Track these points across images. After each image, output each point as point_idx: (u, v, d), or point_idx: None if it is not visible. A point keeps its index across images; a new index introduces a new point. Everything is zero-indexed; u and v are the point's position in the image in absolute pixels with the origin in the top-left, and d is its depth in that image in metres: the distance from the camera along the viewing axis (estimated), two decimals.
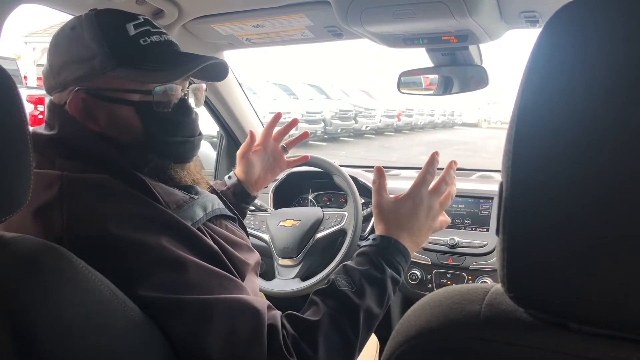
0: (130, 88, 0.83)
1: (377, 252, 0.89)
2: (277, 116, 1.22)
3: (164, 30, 0.88)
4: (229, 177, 1.22)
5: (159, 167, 0.86)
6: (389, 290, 0.87)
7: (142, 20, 0.86)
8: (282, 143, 1.24)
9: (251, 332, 0.73)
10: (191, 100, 0.90)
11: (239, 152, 1.21)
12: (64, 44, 0.84)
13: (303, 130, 1.30)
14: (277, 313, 0.79)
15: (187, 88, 0.89)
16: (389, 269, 0.87)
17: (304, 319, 0.79)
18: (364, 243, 0.92)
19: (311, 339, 0.76)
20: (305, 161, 1.28)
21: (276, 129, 1.22)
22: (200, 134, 0.92)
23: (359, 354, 0.83)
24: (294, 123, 1.24)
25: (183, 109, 0.88)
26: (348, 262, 0.89)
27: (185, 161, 0.90)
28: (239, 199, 1.19)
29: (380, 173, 0.96)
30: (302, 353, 0.75)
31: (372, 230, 1.75)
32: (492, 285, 0.49)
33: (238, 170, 1.21)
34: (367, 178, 1.80)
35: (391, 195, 0.95)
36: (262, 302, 0.78)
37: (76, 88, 0.82)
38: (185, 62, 0.84)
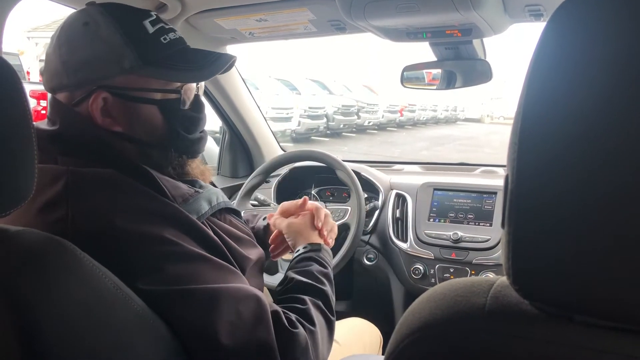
0: (154, 87, 0.83)
1: (315, 254, 1.02)
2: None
3: (173, 27, 0.88)
4: (264, 219, 1.18)
5: (179, 164, 0.87)
6: (332, 281, 0.99)
7: (155, 17, 0.85)
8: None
9: (255, 315, 0.76)
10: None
11: (286, 208, 1.16)
12: (79, 41, 0.81)
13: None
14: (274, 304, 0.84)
15: (197, 85, 0.90)
16: (328, 264, 1.02)
17: (294, 305, 0.86)
18: (299, 252, 1.03)
19: (307, 317, 0.84)
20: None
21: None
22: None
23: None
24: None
25: (199, 105, 0.90)
26: (293, 269, 0.98)
27: (196, 156, 0.92)
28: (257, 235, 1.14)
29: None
30: (305, 327, 0.82)
31: (375, 225, 1.75)
32: (497, 278, 0.49)
33: (276, 220, 1.14)
34: (370, 173, 1.80)
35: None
36: (260, 292, 0.81)
37: (95, 87, 0.80)
38: (209, 62, 0.86)
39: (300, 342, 0.79)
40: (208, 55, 0.87)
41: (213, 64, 0.85)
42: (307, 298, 0.89)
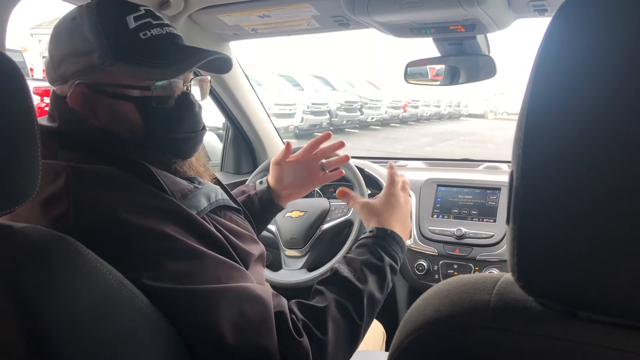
0: (130, 83, 0.81)
1: (375, 242, 0.94)
2: (327, 136, 1.19)
3: (166, 22, 0.86)
4: (260, 182, 1.21)
5: (162, 163, 0.85)
6: (388, 278, 0.91)
7: (144, 12, 0.83)
8: (322, 160, 1.20)
9: (259, 318, 0.74)
10: (195, 93, 0.89)
11: (273, 160, 1.19)
12: (63, 36, 0.82)
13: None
14: (283, 300, 0.80)
15: (190, 81, 0.88)
16: (387, 257, 0.92)
17: (311, 304, 0.82)
18: (362, 236, 0.98)
19: (320, 323, 0.79)
20: (341, 175, 1.22)
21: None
22: (203, 127, 0.91)
23: (362, 338, 0.84)
24: (340, 145, 1.21)
25: (185, 104, 0.86)
26: (348, 254, 0.94)
27: (186, 157, 0.89)
28: (265, 206, 1.18)
29: (346, 193, 1.08)
30: (312, 335, 0.77)
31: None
32: (501, 275, 0.49)
33: (270, 178, 1.19)
34: (373, 169, 1.80)
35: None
36: (267, 290, 0.79)
37: (76, 82, 0.81)
38: (183, 58, 0.82)
39: (300, 353, 0.75)
40: (190, 50, 0.84)
41: (185, 60, 0.82)
42: (332, 297, 0.83)
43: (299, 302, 0.82)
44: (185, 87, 0.86)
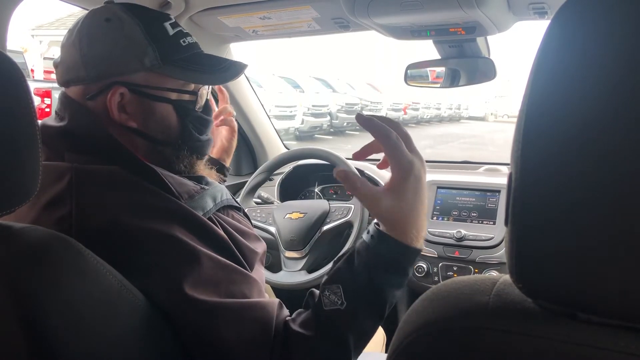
0: (170, 87, 0.85)
1: (378, 256, 0.73)
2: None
3: (189, 32, 0.91)
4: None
5: (190, 163, 0.89)
6: (389, 301, 0.75)
7: (174, 20, 0.88)
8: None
9: (260, 331, 0.74)
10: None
11: None
12: (101, 36, 0.81)
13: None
14: (282, 319, 0.77)
15: (208, 89, 0.93)
16: (392, 278, 0.73)
17: (293, 331, 0.75)
18: (365, 237, 0.76)
19: (300, 351, 0.73)
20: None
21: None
22: None
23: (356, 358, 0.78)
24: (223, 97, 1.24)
25: (209, 109, 0.93)
26: (342, 266, 0.77)
27: (204, 157, 0.94)
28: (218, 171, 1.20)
29: (346, 174, 0.72)
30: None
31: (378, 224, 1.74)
32: (500, 276, 0.49)
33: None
34: (373, 171, 1.80)
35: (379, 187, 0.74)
36: (271, 309, 0.76)
37: (113, 82, 0.81)
38: (225, 68, 0.90)
39: None
40: (222, 61, 0.91)
41: (228, 69, 0.90)
42: (314, 332, 0.74)
43: (287, 324, 0.76)
44: (207, 94, 0.92)
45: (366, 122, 0.70)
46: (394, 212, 0.72)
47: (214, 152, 1.22)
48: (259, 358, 0.73)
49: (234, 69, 0.91)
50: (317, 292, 0.77)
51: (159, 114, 0.85)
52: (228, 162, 1.25)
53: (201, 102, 0.90)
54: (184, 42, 0.86)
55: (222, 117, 1.20)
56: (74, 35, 0.83)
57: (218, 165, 1.18)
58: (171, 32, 0.85)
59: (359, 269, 0.74)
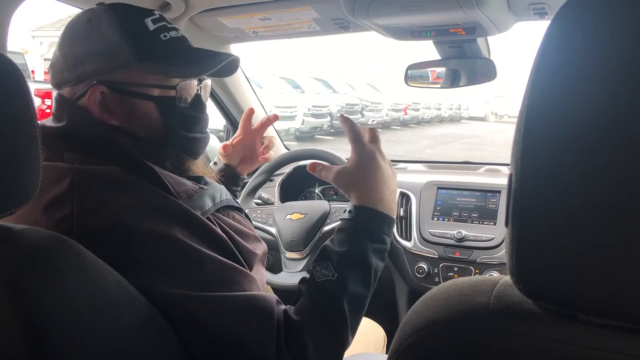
0: (151, 83, 0.84)
1: (354, 227, 0.84)
2: (250, 111, 1.28)
3: (177, 26, 0.89)
4: (215, 164, 1.26)
5: (178, 161, 0.88)
6: (374, 266, 0.83)
7: (158, 15, 0.86)
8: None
9: (262, 326, 0.74)
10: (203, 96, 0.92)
11: (222, 144, 1.25)
12: (81, 37, 0.83)
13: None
14: (281, 309, 0.79)
15: (200, 85, 0.91)
16: (370, 245, 0.82)
17: (291, 319, 0.77)
18: (341, 216, 0.87)
19: (299, 340, 0.75)
20: (270, 143, 1.29)
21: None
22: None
23: (352, 336, 0.82)
24: (274, 118, 1.28)
25: (199, 105, 0.90)
26: (327, 243, 0.85)
27: (197, 157, 0.92)
28: (229, 182, 1.23)
29: (314, 166, 0.95)
30: (293, 356, 0.75)
31: None
32: (500, 277, 0.49)
33: (224, 159, 1.26)
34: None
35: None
36: (271, 301, 0.78)
37: (94, 81, 0.82)
38: (207, 59, 0.86)
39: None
40: (207, 52, 0.88)
41: (210, 60, 0.86)
42: (309, 308, 0.78)
43: (284, 313, 0.78)
44: (197, 90, 0.90)
45: (346, 120, 0.91)
46: (357, 182, 0.87)
47: (239, 165, 1.26)
48: (266, 343, 0.74)
49: (215, 60, 0.86)
50: (307, 276, 0.84)
51: (140, 111, 0.84)
52: (238, 172, 1.27)
53: (188, 97, 0.88)
54: (164, 36, 0.84)
55: (266, 144, 1.25)
56: (59, 39, 0.85)
57: (234, 176, 1.23)
58: (152, 27, 0.84)
59: (343, 242, 0.84)
